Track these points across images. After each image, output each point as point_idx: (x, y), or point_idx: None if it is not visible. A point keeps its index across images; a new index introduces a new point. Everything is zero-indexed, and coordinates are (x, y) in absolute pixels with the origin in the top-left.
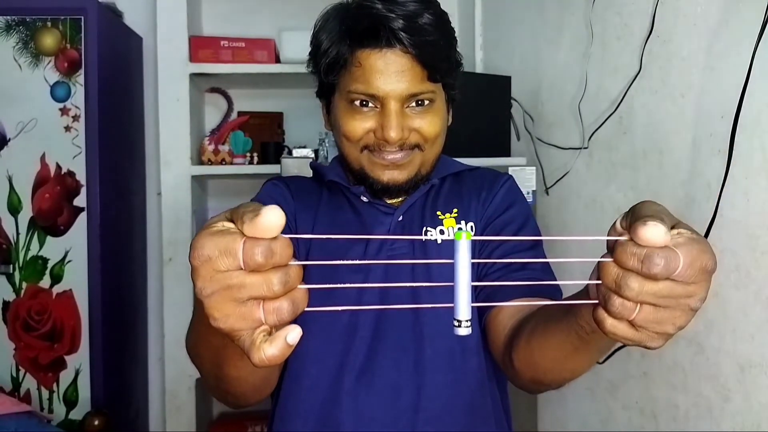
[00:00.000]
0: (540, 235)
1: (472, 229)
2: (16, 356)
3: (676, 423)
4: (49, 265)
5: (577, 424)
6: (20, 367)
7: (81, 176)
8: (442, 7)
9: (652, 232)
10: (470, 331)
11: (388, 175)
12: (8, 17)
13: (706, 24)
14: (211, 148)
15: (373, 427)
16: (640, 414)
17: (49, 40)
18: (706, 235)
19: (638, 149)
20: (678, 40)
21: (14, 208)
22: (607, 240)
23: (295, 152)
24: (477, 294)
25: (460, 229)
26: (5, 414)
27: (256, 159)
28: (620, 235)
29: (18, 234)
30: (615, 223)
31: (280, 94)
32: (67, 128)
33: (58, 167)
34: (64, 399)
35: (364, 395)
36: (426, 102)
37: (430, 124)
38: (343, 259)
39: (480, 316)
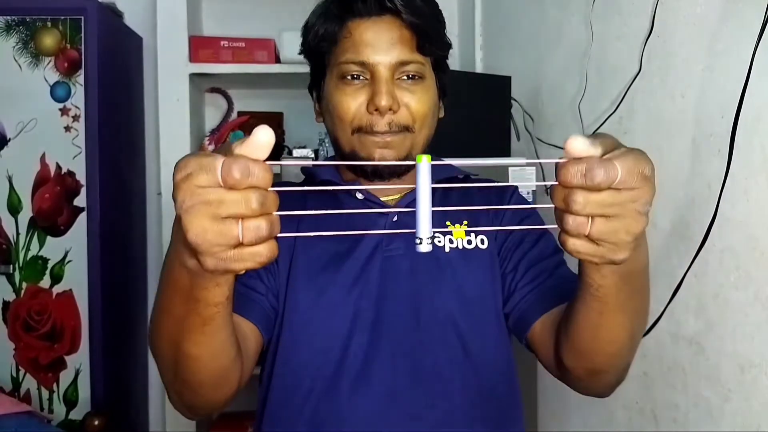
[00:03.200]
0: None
1: (482, 242)
2: (16, 356)
3: (676, 423)
4: (49, 265)
5: (577, 424)
6: (20, 367)
7: (81, 176)
8: (441, 7)
9: (573, 143)
10: (431, 248)
11: (379, 154)
12: (8, 17)
13: (706, 24)
14: (211, 148)
15: None
16: (640, 414)
17: (49, 40)
18: (706, 235)
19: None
20: (678, 40)
21: (14, 208)
22: (555, 168)
23: (295, 152)
24: (511, 310)
25: (469, 241)
26: (5, 414)
27: None
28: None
29: (18, 234)
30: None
31: (280, 94)
32: (67, 128)
33: (58, 167)
34: (64, 399)
35: (361, 402)
36: (416, 76)
37: (420, 101)
38: (333, 265)
39: (521, 334)
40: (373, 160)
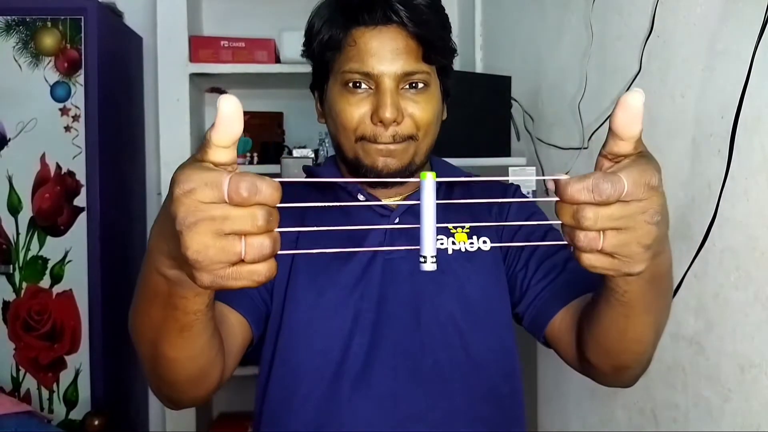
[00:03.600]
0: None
1: (484, 243)
2: (16, 356)
3: (676, 423)
4: (49, 265)
5: (577, 424)
6: (20, 367)
7: (81, 176)
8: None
9: (633, 98)
10: (435, 267)
11: (383, 162)
12: (8, 17)
13: (706, 24)
14: None
15: None
16: (640, 414)
17: (49, 40)
18: (706, 235)
19: None
20: (678, 40)
21: (14, 208)
22: (555, 186)
23: (295, 152)
24: (526, 308)
25: (471, 244)
26: (5, 414)
27: (256, 159)
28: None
29: (18, 234)
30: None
31: (280, 94)
32: (67, 128)
33: (58, 167)
34: (64, 399)
35: (362, 403)
36: (421, 85)
37: (424, 110)
38: (334, 266)
39: (538, 332)
40: (377, 167)
